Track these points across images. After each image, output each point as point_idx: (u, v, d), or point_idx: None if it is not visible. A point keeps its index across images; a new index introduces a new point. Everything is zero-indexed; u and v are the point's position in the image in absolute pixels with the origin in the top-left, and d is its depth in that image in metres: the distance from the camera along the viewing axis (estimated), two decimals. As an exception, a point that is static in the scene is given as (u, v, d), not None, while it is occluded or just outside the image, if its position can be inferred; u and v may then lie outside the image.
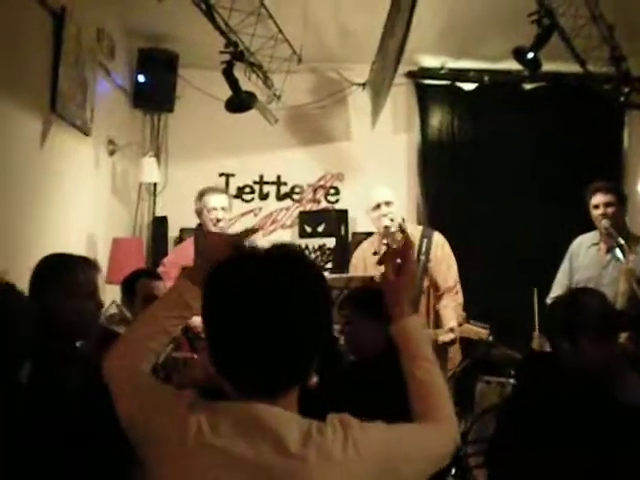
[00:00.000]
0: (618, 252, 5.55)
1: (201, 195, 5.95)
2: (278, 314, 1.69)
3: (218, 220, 5.92)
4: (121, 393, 1.93)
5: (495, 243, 7.50)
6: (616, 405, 3.18)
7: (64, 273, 3.14)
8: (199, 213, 5.92)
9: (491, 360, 6.25)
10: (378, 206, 5.79)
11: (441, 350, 5.74)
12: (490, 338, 5.74)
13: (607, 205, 5.72)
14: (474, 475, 5.73)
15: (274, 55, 6.31)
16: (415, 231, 5.99)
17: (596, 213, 5.75)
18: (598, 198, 5.75)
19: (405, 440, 1.81)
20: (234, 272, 1.77)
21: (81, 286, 3.12)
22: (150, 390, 1.90)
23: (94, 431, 2.55)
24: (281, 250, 1.82)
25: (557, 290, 5.95)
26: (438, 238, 5.95)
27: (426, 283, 5.84)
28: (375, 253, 5.83)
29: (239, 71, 6.28)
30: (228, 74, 5.97)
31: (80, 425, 2.62)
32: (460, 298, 5.92)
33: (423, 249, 5.84)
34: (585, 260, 5.91)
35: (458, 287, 5.92)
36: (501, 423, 3.68)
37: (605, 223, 5.65)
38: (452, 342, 5.66)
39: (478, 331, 5.64)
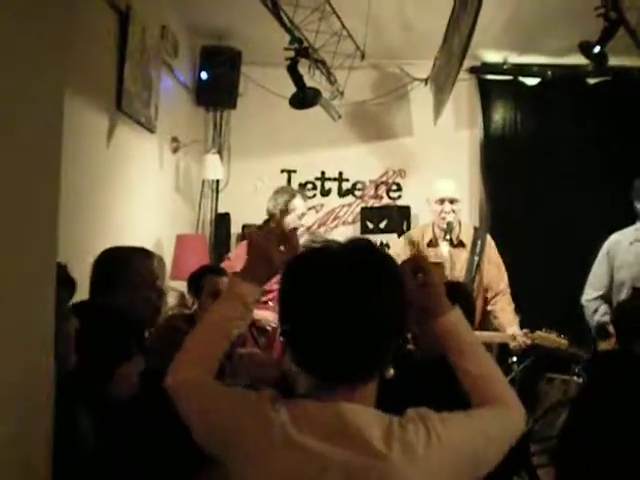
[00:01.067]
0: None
1: (292, 196, 5.93)
2: (355, 302, 1.71)
3: (302, 226, 6.02)
4: (192, 411, 1.91)
5: (558, 238, 7.40)
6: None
7: (122, 265, 3.19)
8: (285, 212, 5.91)
9: (554, 357, 6.18)
10: (442, 201, 5.75)
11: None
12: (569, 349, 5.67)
13: None
14: (537, 474, 5.70)
15: (337, 51, 6.31)
16: (469, 231, 5.95)
17: None
18: None
19: (485, 425, 1.81)
20: (313, 263, 1.80)
21: (140, 276, 3.18)
22: (226, 398, 1.89)
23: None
24: (356, 242, 1.85)
25: (594, 292, 5.84)
26: (490, 241, 5.88)
27: (477, 283, 5.78)
28: (430, 244, 5.80)
29: (302, 68, 6.29)
30: (293, 70, 5.99)
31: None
32: (512, 302, 5.84)
33: (477, 249, 5.78)
34: (629, 257, 5.77)
35: (509, 290, 5.84)
36: (571, 421, 3.65)
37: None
38: (522, 347, 5.56)
39: (557, 341, 5.54)
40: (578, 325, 5.98)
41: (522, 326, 5.59)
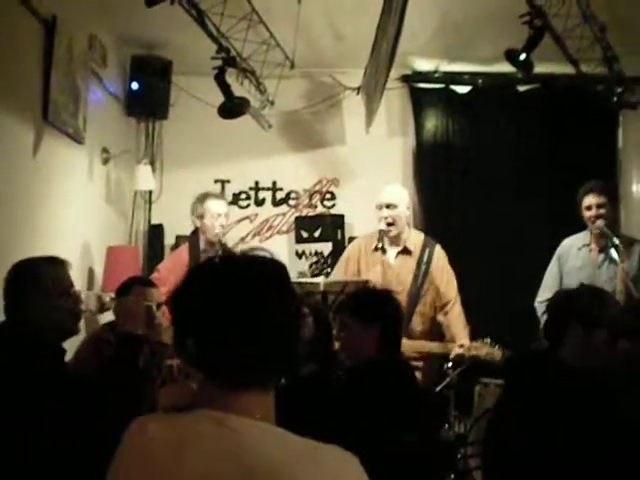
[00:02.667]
0: (613, 252, 5.57)
1: (203, 199, 5.99)
2: (240, 310, 1.72)
3: (222, 226, 6.00)
4: None
5: (490, 246, 7.49)
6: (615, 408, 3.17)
7: (33, 277, 3.17)
8: (201, 217, 5.95)
9: (489, 362, 6.26)
10: (380, 207, 5.78)
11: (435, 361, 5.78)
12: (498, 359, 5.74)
13: (599, 206, 5.76)
14: (473, 476, 5.75)
15: (267, 60, 6.30)
16: (418, 239, 5.95)
17: (588, 214, 5.78)
18: (590, 199, 5.79)
19: None
20: (208, 268, 1.85)
21: (52, 285, 3.16)
22: None
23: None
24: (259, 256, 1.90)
25: (546, 294, 5.96)
26: (439, 250, 5.89)
27: (424, 291, 5.80)
28: (376, 249, 5.81)
29: (232, 77, 6.27)
30: (220, 80, 5.96)
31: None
32: (462, 311, 5.88)
33: (425, 258, 5.80)
34: (577, 262, 5.95)
35: (459, 299, 5.88)
36: (490, 425, 3.68)
37: (600, 223, 5.68)
38: (459, 356, 5.63)
39: (489, 351, 5.62)
40: (514, 330, 6.08)
41: (472, 335, 5.71)
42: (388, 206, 5.74)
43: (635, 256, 5.75)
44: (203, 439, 1.66)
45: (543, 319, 5.85)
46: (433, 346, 5.75)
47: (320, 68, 7.52)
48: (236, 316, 1.71)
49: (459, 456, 5.91)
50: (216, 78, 5.95)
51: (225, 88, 6.03)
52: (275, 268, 1.84)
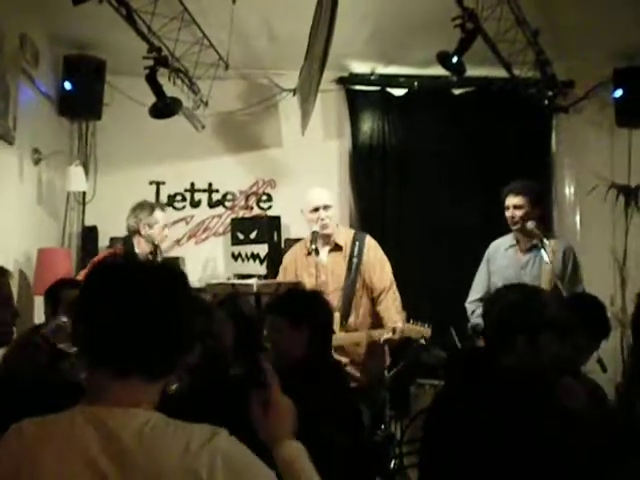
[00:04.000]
0: (544, 253, 5.64)
1: (152, 209, 5.98)
2: (125, 299, 1.81)
3: (166, 236, 6.07)
4: None
5: (427, 247, 7.56)
6: (553, 406, 3.19)
7: None
8: (149, 226, 5.93)
9: (424, 363, 6.32)
10: (316, 209, 5.81)
11: (379, 348, 5.83)
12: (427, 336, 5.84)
13: (516, 207, 5.87)
14: (408, 474, 5.79)
15: (200, 61, 6.26)
16: (347, 234, 6.02)
17: (507, 214, 5.87)
18: (509, 200, 5.89)
19: None
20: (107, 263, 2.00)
21: None
22: None
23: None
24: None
25: (475, 294, 6.14)
26: (370, 241, 5.99)
27: (359, 285, 5.86)
28: (309, 253, 5.85)
29: (164, 77, 6.23)
30: (151, 80, 5.91)
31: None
32: (398, 297, 5.96)
33: (355, 252, 5.88)
34: (503, 262, 6.05)
35: (394, 287, 5.95)
36: (426, 424, 3.69)
37: (530, 225, 5.76)
38: (393, 341, 5.70)
39: (420, 330, 5.72)
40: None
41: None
42: (325, 207, 5.79)
43: (559, 254, 5.84)
44: (73, 439, 1.73)
45: (473, 318, 6.00)
46: (361, 335, 5.82)
47: (256, 69, 7.50)
48: (120, 305, 1.80)
49: (393, 455, 5.97)
50: (147, 78, 5.90)
51: (157, 88, 5.98)
52: (169, 269, 1.94)
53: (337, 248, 5.91)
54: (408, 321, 5.76)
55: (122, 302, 1.80)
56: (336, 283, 5.75)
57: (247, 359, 4.06)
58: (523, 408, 3.08)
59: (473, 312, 6.09)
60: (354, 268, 5.84)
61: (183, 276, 1.94)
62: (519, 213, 5.85)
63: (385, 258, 5.99)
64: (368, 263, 5.88)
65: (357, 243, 5.92)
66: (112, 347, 1.79)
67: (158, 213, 5.95)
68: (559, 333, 3.29)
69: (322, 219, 5.75)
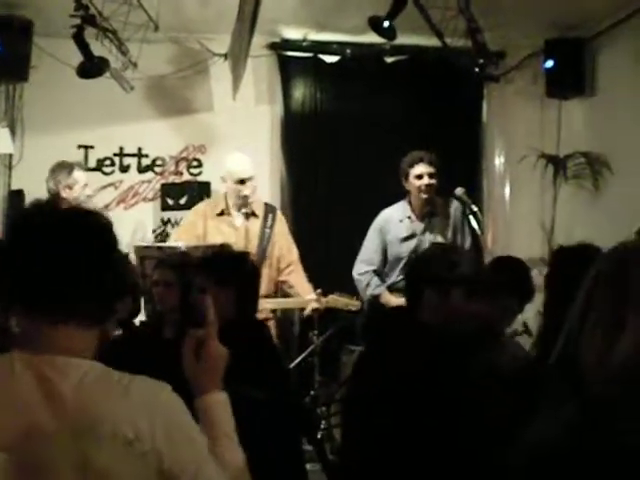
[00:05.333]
0: (472, 220, 5.70)
1: (70, 169, 5.91)
2: (53, 245, 1.78)
3: (87, 197, 5.99)
4: None
5: (358, 214, 7.55)
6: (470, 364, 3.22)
7: None
8: (69, 187, 5.85)
9: (355, 329, 6.36)
10: (242, 182, 5.87)
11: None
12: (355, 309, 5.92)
13: (431, 176, 5.98)
14: (333, 434, 5.85)
15: (130, 22, 6.14)
16: (260, 204, 6.20)
17: (418, 183, 5.92)
18: (422, 168, 5.97)
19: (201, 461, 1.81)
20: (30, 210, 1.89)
21: None
22: None
23: None
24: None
25: (368, 265, 6.18)
26: (280, 215, 6.25)
27: (268, 253, 6.05)
28: (222, 213, 5.91)
29: (92, 38, 6.11)
30: (79, 39, 5.82)
31: None
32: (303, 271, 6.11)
33: (268, 222, 5.96)
34: (400, 233, 6.12)
35: (299, 262, 6.14)
36: (352, 383, 3.71)
37: (459, 191, 5.81)
38: (319, 310, 5.92)
39: (348, 302, 5.80)
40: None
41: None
42: (250, 179, 5.98)
43: (458, 212, 5.94)
44: (12, 384, 1.71)
45: (370, 290, 6.06)
46: (287, 302, 5.93)
47: (187, 33, 7.37)
48: (47, 251, 1.76)
49: (320, 417, 6.02)
50: (75, 37, 5.79)
51: (84, 47, 5.89)
52: (95, 214, 1.90)
53: (253, 215, 5.99)
54: (331, 292, 5.95)
55: (48, 248, 1.76)
56: (248, 248, 5.77)
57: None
58: (436, 366, 3.11)
59: (368, 284, 6.13)
60: (266, 237, 5.95)
61: (109, 222, 1.90)
62: (434, 181, 5.93)
63: (290, 234, 6.28)
64: (280, 234, 6.10)
65: (270, 215, 6.04)
66: (43, 295, 1.76)
67: (77, 173, 5.86)
68: (475, 292, 3.33)
69: (246, 195, 5.87)
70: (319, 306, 5.89)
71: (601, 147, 7.28)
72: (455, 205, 6.14)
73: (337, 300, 5.93)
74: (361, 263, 6.19)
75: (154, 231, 7.25)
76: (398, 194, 7.32)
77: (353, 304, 5.96)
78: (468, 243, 5.97)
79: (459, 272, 3.37)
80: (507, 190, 7.99)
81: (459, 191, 5.83)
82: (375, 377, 3.27)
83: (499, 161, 8.03)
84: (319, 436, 6.04)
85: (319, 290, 5.99)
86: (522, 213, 7.74)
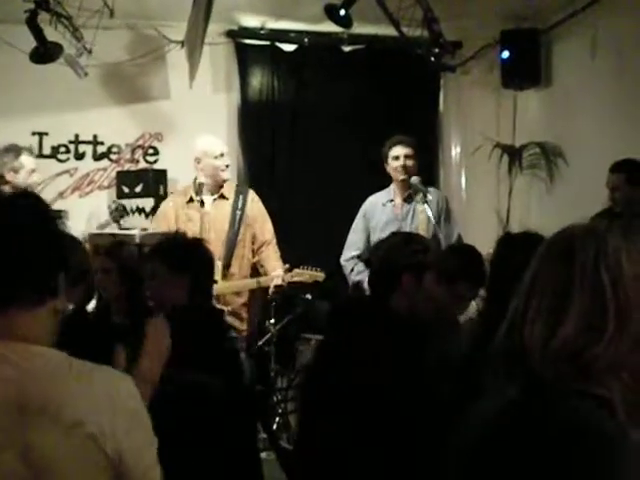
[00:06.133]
0: (427, 208, 5.74)
1: (17, 153, 5.84)
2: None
3: (36, 183, 5.94)
4: None
5: (315, 203, 7.57)
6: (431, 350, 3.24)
7: None
8: (14, 171, 5.79)
9: (310, 318, 6.38)
10: (222, 155, 6.02)
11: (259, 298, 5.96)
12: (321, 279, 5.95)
13: (407, 157, 6.02)
14: (289, 421, 5.87)
15: (85, 7, 6.09)
16: (230, 186, 6.20)
17: (395, 164, 5.99)
18: (399, 150, 6.03)
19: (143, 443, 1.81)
20: None
21: None
22: None
23: None
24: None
25: (352, 251, 6.21)
26: (252, 194, 6.16)
27: (241, 236, 6.02)
28: (191, 200, 5.91)
29: (46, 23, 6.04)
30: (32, 24, 5.75)
31: None
32: (278, 251, 6.12)
33: (239, 204, 5.96)
34: (383, 217, 6.16)
35: (275, 242, 6.09)
36: (311, 369, 3.72)
37: (415, 180, 5.85)
38: (281, 287, 5.95)
39: (312, 274, 5.83)
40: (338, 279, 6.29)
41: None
42: (224, 154, 6.11)
43: (433, 205, 5.96)
44: None
45: (353, 276, 6.08)
46: (251, 282, 5.93)
47: (143, 20, 7.31)
48: None
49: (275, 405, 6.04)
50: (28, 21, 5.73)
51: (37, 32, 5.83)
52: (29, 193, 1.98)
53: (222, 197, 5.98)
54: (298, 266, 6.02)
55: None
56: (219, 233, 5.83)
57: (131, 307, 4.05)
58: (400, 354, 3.12)
59: (352, 270, 6.16)
60: (238, 219, 5.95)
61: (40, 201, 1.89)
62: (410, 163, 5.96)
63: (266, 213, 6.12)
64: (252, 216, 6.03)
65: (240, 195, 6.01)
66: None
67: (25, 158, 5.78)
68: (440, 277, 3.36)
69: (228, 165, 6.06)
70: (282, 283, 5.89)
71: (556, 138, 7.35)
72: (439, 195, 6.24)
73: (301, 274, 5.96)
74: (347, 249, 6.24)
75: (111, 213, 7.15)
76: (355, 182, 7.38)
77: (318, 276, 5.99)
78: (455, 236, 5.97)
79: (432, 257, 3.40)
80: (463, 179, 8.05)
81: (415, 179, 5.86)
82: (336, 366, 3.27)
83: (455, 151, 8.07)
84: (275, 424, 6.08)
85: (287, 265, 6.00)
86: (478, 202, 7.79)
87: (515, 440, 1.47)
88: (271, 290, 5.98)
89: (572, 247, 1.56)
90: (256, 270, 6.18)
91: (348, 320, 3.54)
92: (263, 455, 4.95)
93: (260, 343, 6.29)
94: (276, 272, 5.94)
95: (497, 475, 1.48)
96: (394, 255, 3.43)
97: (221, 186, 6.07)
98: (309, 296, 6.32)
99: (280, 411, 6.20)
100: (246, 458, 3.73)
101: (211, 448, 3.29)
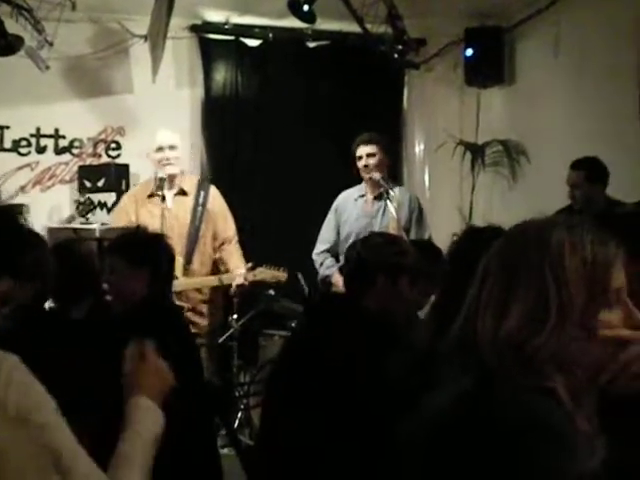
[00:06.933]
0: (390, 205, 5.76)
1: None
2: None
3: None
4: None
5: (279, 199, 7.56)
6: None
7: None
8: None
9: (273, 313, 6.37)
10: (161, 149, 5.83)
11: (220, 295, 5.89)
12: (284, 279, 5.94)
13: (369, 155, 5.99)
14: (252, 417, 5.85)
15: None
16: (192, 181, 6.17)
17: (360, 164, 5.96)
18: (362, 149, 6.00)
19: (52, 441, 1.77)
20: None
21: None
22: None
23: None
24: None
25: (323, 245, 6.23)
26: (214, 190, 6.11)
27: (202, 232, 5.98)
28: (151, 195, 5.86)
29: (7, 16, 5.98)
30: (-8, 16, 5.70)
31: None
32: (240, 249, 6.08)
33: (200, 199, 5.93)
34: (353, 213, 6.17)
35: (237, 239, 6.07)
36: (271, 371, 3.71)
37: (376, 176, 5.86)
38: (243, 286, 5.90)
39: (274, 274, 5.82)
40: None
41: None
42: (171, 147, 5.92)
43: (405, 204, 5.98)
44: None
45: (322, 270, 6.10)
46: (212, 280, 5.91)
47: (106, 13, 7.26)
48: None
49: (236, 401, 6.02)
50: (-13, 13, 5.67)
51: (-2, 24, 5.76)
52: None
53: (182, 193, 5.94)
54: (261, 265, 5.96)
55: None
56: (180, 228, 5.79)
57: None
58: (381, 351, 3.12)
59: (322, 264, 6.19)
60: (199, 215, 5.92)
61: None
62: (372, 161, 5.98)
63: (228, 209, 6.10)
64: (213, 211, 6.00)
65: (202, 191, 5.98)
66: None
67: None
68: (417, 280, 3.37)
69: (167, 158, 5.78)
70: (244, 282, 5.87)
71: (518, 135, 7.41)
72: (411, 196, 6.26)
73: (264, 272, 5.94)
74: (319, 243, 6.25)
75: (77, 207, 7.08)
76: (318, 178, 7.38)
77: (281, 275, 5.98)
78: (426, 238, 5.96)
79: (410, 260, 3.40)
80: (427, 176, 8.08)
81: (377, 176, 5.87)
82: (307, 362, 3.27)
83: (419, 147, 8.10)
84: (237, 420, 6.07)
85: (250, 264, 5.97)
86: (441, 199, 7.82)
87: (466, 431, 1.49)
88: (233, 289, 5.95)
89: (519, 242, 1.61)
90: (217, 266, 6.15)
91: (322, 317, 3.55)
92: (225, 451, 4.94)
93: (223, 339, 6.27)
94: (238, 270, 5.90)
95: (448, 466, 1.50)
96: (371, 255, 3.44)
97: (172, 180, 5.99)
98: (272, 292, 6.29)
99: (242, 406, 6.19)
100: (205, 454, 3.72)
101: (168, 444, 3.27)
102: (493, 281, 1.59)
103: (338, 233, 6.17)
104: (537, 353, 1.49)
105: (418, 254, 3.96)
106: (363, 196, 6.16)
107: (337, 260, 6.12)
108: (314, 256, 6.24)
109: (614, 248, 1.56)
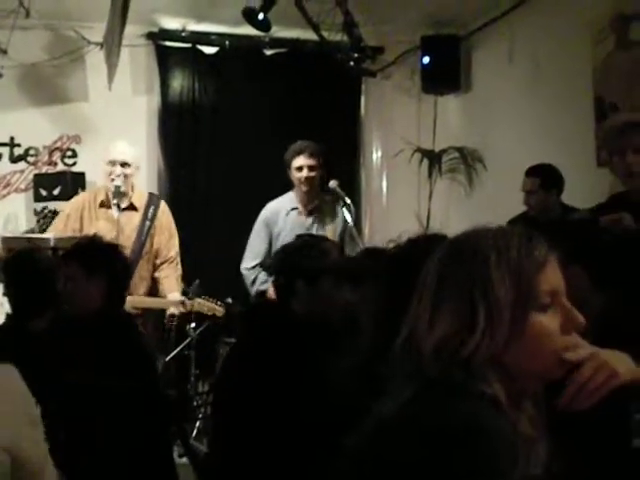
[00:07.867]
0: (346, 212, 5.75)
1: None
2: None
3: None
4: None
5: (235, 208, 7.54)
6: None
7: None
8: None
9: (231, 321, 6.35)
10: (112, 163, 5.77)
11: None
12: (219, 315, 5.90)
13: (311, 168, 5.90)
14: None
15: (-1, 7, 5.99)
16: (142, 196, 6.07)
17: (299, 175, 5.88)
18: (302, 160, 5.88)
19: None
20: None
21: None
22: None
23: None
24: None
25: (253, 260, 6.03)
26: (164, 206, 6.05)
27: (146, 248, 5.90)
28: (102, 205, 5.79)
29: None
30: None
31: None
32: (180, 270, 6.04)
33: (149, 214, 5.84)
34: (286, 226, 5.98)
35: (178, 259, 5.99)
36: (222, 373, 3.71)
37: (333, 184, 5.83)
38: (174, 316, 5.86)
39: (212, 307, 5.79)
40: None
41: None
42: (123, 165, 5.80)
43: (340, 215, 5.94)
44: None
45: (257, 285, 6.00)
46: (152, 301, 5.83)
47: (62, 20, 7.21)
48: None
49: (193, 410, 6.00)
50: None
51: (-52, 32, 5.69)
52: None
53: (132, 208, 5.86)
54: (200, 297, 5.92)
55: None
56: (126, 242, 5.63)
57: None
58: (309, 356, 3.13)
59: (255, 280, 6.02)
60: (146, 230, 5.83)
61: None
62: (314, 174, 5.90)
63: (175, 228, 6.02)
64: (160, 227, 5.92)
65: (152, 206, 5.90)
66: None
67: None
68: (345, 281, 3.36)
69: (118, 175, 5.72)
70: (176, 312, 5.81)
71: (475, 143, 7.44)
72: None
73: (202, 304, 5.89)
74: (248, 258, 6.05)
75: (38, 221, 7.00)
76: (276, 186, 7.34)
77: (218, 310, 5.95)
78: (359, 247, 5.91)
79: (329, 261, 3.41)
80: (384, 183, 8.11)
81: (333, 184, 5.84)
82: (242, 369, 3.28)
83: (376, 155, 8.14)
84: (195, 429, 6.05)
85: (184, 298, 5.87)
86: (399, 206, 7.85)
87: (403, 441, 1.49)
88: (166, 318, 5.89)
89: (452, 251, 1.65)
90: (156, 284, 6.06)
91: (253, 324, 3.57)
92: (183, 460, 4.92)
93: (180, 347, 6.24)
94: (175, 298, 5.83)
95: (385, 476, 1.50)
96: (287, 261, 3.47)
97: (124, 194, 5.87)
98: (230, 300, 6.28)
99: (200, 415, 6.17)
100: (160, 463, 3.70)
101: (123, 453, 3.27)
102: (428, 290, 1.61)
103: (271, 247, 5.97)
104: (472, 358, 1.51)
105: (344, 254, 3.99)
106: (295, 209, 6.02)
107: (270, 274, 5.94)
108: (244, 271, 6.05)
109: (543, 252, 1.59)
